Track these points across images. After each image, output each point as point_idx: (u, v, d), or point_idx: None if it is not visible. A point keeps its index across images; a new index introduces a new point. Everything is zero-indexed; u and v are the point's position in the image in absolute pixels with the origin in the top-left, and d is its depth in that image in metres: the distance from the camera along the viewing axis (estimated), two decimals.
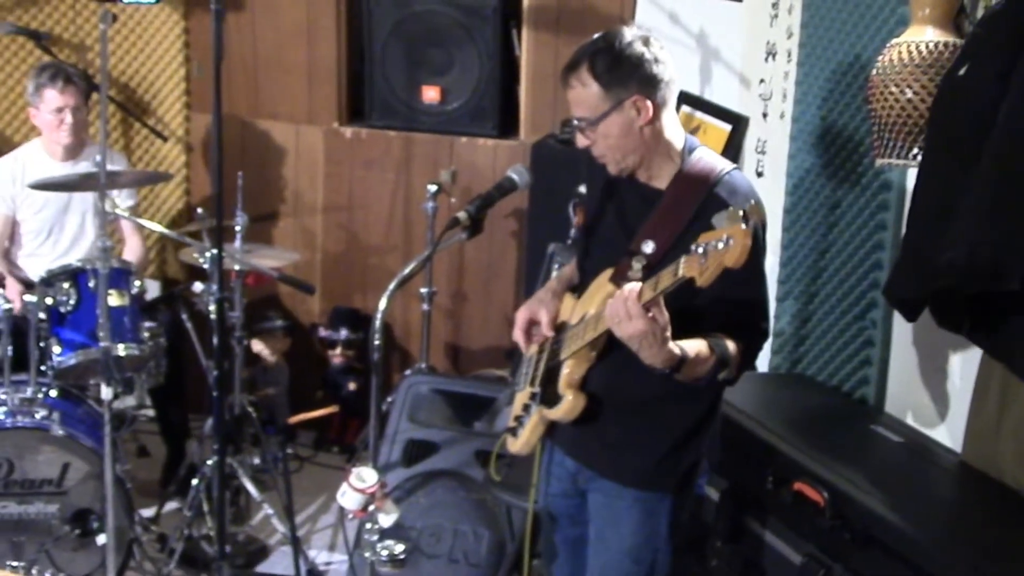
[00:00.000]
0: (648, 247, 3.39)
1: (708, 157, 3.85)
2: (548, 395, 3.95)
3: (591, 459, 4.07)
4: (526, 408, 4.11)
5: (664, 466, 3.93)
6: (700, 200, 3.67)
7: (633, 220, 3.87)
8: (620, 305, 3.38)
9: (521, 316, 4.14)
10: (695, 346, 3.55)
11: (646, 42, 3.72)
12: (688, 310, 3.56)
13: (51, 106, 6.34)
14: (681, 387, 3.66)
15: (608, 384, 3.87)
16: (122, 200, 6.60)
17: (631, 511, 3.98)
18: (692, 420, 3.91)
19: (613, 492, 4.01)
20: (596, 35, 3.77)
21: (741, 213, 3.12)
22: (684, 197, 3.67)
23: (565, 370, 3.87)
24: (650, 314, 3.35)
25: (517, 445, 4.12)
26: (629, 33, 3.74)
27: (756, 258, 3.70)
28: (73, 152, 6.49)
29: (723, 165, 3.82)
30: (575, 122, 3.79)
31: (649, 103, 3.72)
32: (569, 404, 3.85)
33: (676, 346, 3.46)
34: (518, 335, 4.14)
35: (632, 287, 3.38)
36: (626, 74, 3.68)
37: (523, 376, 4.19)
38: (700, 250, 3.18)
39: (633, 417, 3.92)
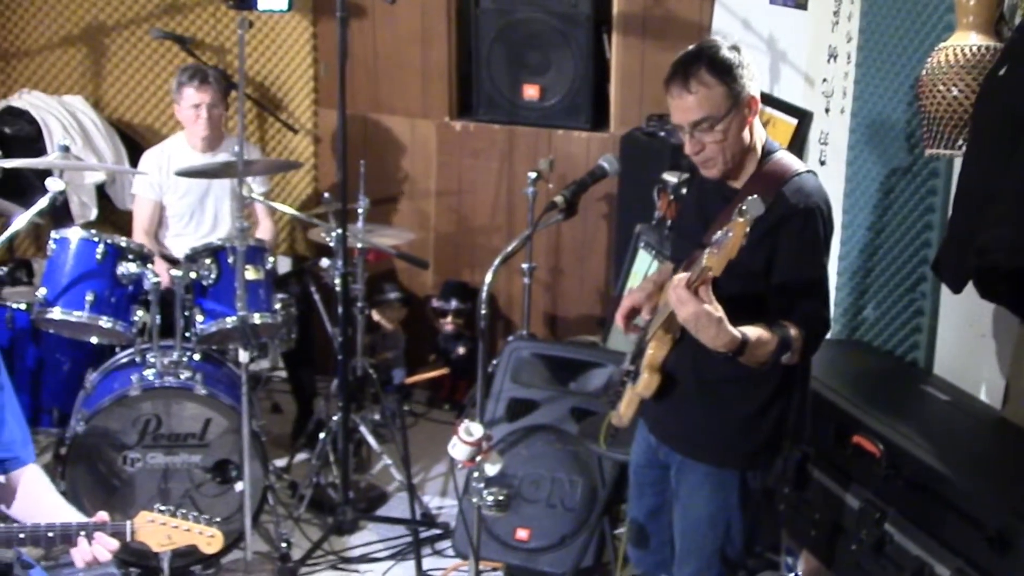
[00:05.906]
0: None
1: (786, 159, 3.84)
2: (637, 373, 4.00)
3: (669, 436, 4.14)
4: (623, 384, 4.16)
5: (733, 445, 3.97)
6: (769, 199, 3.55)
7: (710, 216, 3.88)
8: (672, 293, 3.45)
9: (625, 303, 4.17)
10: (756, 331, 3.56)
11: (739, 49, 3.74)
12: (752, 298, 3.62)
13: (189, 102, 6.41)
14: (746, 371, 3.69)
15: (684, 366, 3.89)
16: (257, 186, 6.64)
17: (704, 484, 4.02)
18: (757, 403, 3.91)
19: (688, 467, 4.06)
20: (692, 47, 3.76)
21: (743, 207, 3.12)
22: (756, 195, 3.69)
23: (649, 351, 3.89)
24: (698, 296, 3.39)
25: (616, 418, 4.18)
26: (724, 41, 3.77)
27: (811, 247, 3.74)
28: (212, 144, 6.54)
29: (798, 167, 3.81)
30: (693, 125, 3.71)
31: (758, 101, 3.77)
32: (644, 382, 3.88)
33: (737, 330, 3.49)
34: (617, 318, 4.19)
35: (679, 276, 3.44)
36: (740, 74, 3.68)
37: (629, 355, 4.25)
38: (716, 242, 3.22)
39: (706, 398, 3.95)
